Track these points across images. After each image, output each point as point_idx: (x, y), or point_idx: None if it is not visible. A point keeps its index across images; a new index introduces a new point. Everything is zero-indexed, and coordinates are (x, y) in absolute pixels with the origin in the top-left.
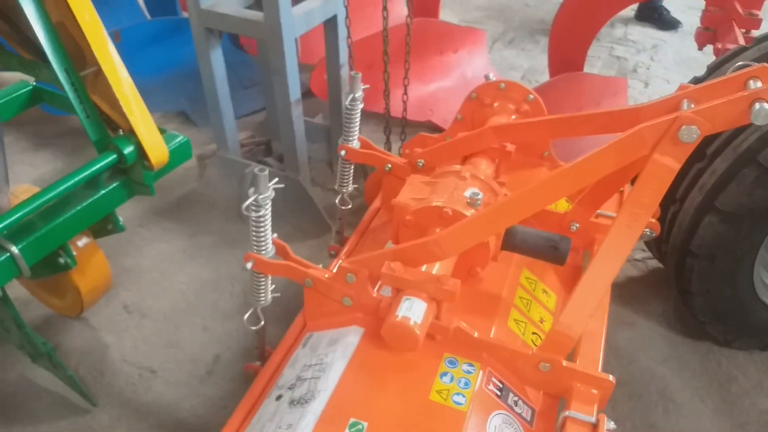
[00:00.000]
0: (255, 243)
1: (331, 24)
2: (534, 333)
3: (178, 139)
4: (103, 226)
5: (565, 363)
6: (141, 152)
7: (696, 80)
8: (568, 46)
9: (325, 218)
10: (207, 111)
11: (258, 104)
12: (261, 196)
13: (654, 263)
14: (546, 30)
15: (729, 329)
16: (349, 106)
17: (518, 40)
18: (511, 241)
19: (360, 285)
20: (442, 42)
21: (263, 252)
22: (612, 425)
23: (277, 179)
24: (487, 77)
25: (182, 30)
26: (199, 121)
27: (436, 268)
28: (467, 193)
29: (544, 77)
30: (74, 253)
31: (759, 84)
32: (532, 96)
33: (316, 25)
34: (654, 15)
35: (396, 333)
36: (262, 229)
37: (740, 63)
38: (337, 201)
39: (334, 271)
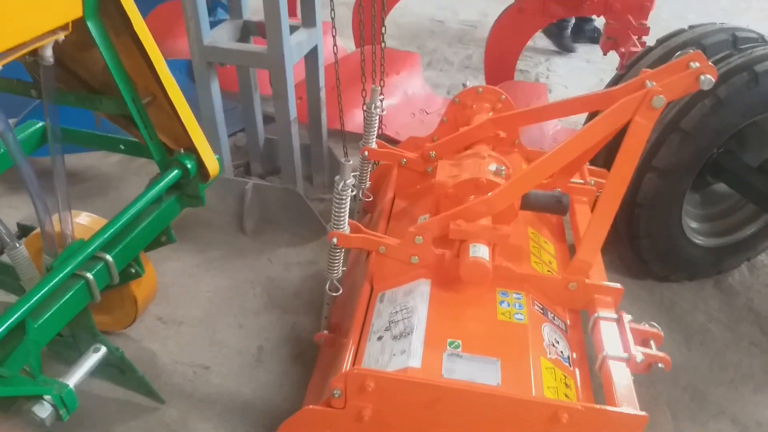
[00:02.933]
0: (336, 222)
1: (312, 53)
2: (548, 271)
3: (215, 155)
4: (158, 238)
5: (587, 281)
6: (199, 166)
7: (618, 77)
8: (500, 60)
9: (322, 223)
10: None
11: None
12: (347, 182)
13: None
14: (455, 52)
15: (667, 265)
16: (371, 112)
17: (435, 62)
18: (528, 201)
19: (426, 244)
20: (387, 66)
21: (342, 229)
22: (629, 317)
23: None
24: (464, 85)
25: None
26: None
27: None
28: (491, 167)
29: None
30: None
31: (697, 64)
32: (503, 96)
33: (304, 54)
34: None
35: (472, 269)
36: (343, 211)
37: (680, 52)
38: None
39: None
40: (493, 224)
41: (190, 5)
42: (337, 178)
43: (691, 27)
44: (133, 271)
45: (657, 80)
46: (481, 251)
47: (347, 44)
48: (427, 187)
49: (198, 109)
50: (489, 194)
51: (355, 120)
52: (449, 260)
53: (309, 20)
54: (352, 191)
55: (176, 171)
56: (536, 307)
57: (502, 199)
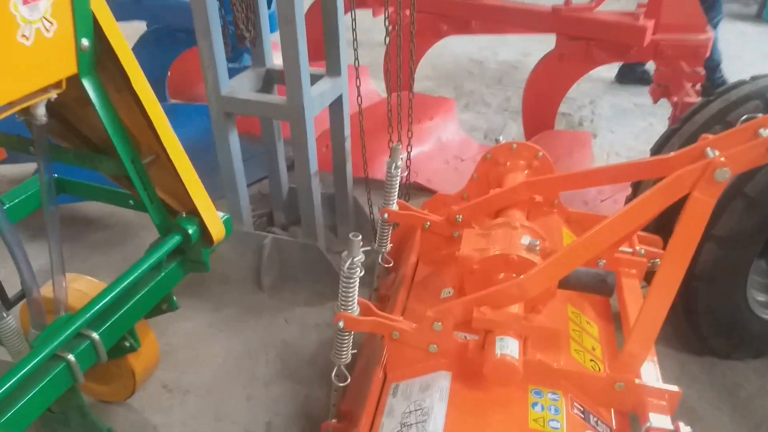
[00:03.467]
0: (343, 303)
1: (337, 103)
2: (591, 360)
3: (224, 215)
4: (158, 305)
5: (636, 381)
6: (202, 231)
7: (671, 131)
8: (539, 109)
9: None
10: (207, 187)
11: (248, 179)
12: (355, 259)
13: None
14: (493, 94)
15: (729, 342)
16: (392, 173)
17: (472, 104)
18: (566, 280)
19: (446, 332)
20: (419, 112)
21: (350, 310)
22: (688, 429)
23: (368, 247)
24: (497, 140)
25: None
26: None
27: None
28: (524, 241)
29: (504, 136)
30: None
31: None
32: (541, 153)
33: (327, 105)
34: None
35: (499, 370)
36: (351, 290)
37: (747, 116)
38: (379, 259)
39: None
40: (526, 308)
41: (207, 53)
42: (344, 254)
43: (753, 78)
44: (128, 344)
45: (720, 148)
46: (509, 347)
47: (381, 86)
48: (452, 254)
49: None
50: (521, 277)
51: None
52: (473, 350)
53: (334, 69)
54: (361, 271)
55: (177, 236)
56: (576, 410)
57: (537, 283)
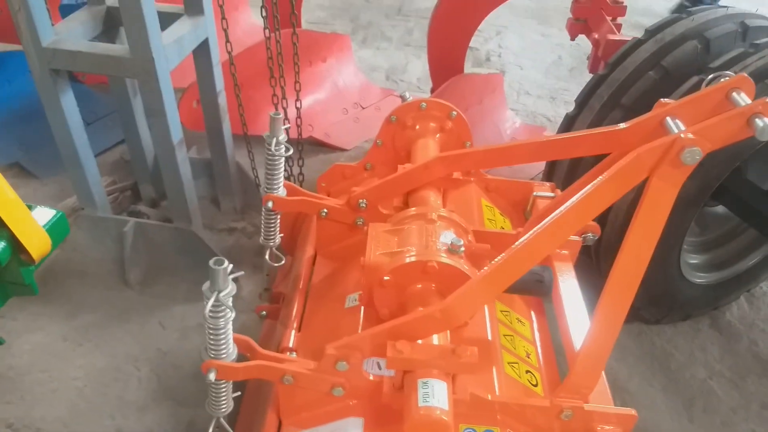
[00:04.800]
0: (213, 348)
1: (202, 49)
2: (528, 372)
3: (51, 215)
4: None
5: (585, 407)
6: (16, 247)
7: (599, 78)
8: (447, 51)
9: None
10: (47, 158)
11: (107, 142)
12: (222, 294)
13: None
14: (394, 26)
15: (660, 309)
16: (273, 151)
17: (370, 38)
18: None
19: (354, 371)
20: (311, 52)
21: (224, 356)
22: None
23: (241, 272)
24: (403, 97)
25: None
26: (40, 172)
27: None
28: (446, 240)
29: (407, 75)
30: None
31: (743, 95)
32: (455, 113)
33: (188, 54)
34: None
35: (424, 426)
36: (222, 332)
37: (715, 74)
38: (266, 257)
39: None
40: (454, 334)
41: None
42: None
43: (688, 12)
44: None
45: (683, 119)
46: (435, 395)
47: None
48: (356, 244)
49: (89, 115)
50: (448, 300)
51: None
52: (389, 393)
53: (194, 4)
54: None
55: None
56: None
57: (467, 306)
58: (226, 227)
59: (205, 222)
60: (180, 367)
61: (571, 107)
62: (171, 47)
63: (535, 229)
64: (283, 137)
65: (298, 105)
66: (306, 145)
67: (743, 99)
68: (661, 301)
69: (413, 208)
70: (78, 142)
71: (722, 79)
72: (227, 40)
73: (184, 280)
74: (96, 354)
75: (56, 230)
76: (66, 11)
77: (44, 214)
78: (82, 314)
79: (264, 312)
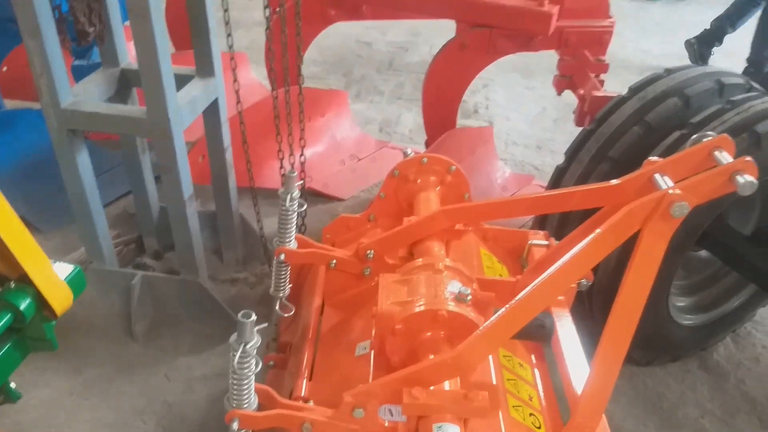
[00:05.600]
0: (237, 398)
1: (212, 108)
2: (531, 414)
3: (70, 270)
4: None
5: None
6: (40, 302)
7: (586, 133)
8: (441, 106)
9: (233, 316)
10: (51, 212)
11: (110, 195)
12: (249, 345)
13: None
14: (385, 80)
15: (650, 351)
16: (288, 207)
17: (364, 92)
18: None
19: (370, 418)
20: (310, 108)
21: (246, 405)
22: None
23: (265, 323)
24: (405, 153)
25: (7, 123)
26: (44, 225)
27: None
28: (453, 289)
29: (400, 127)
30: None
31: (725, 154)
32: (454, 167)
33: (199, 114)
34: None
35: None
36: (245, 382)
37: (698, 135)
38: (276, 307)
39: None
40: (462, 379)
41: (38, 57)
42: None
43: (668, 71)
44: None
45: (671, 175)
46: None
47: (263, 72)
48: (364, 293)
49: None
50: (459, 348)
51: (274, 175)
52: None
53: (206, 67)
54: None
55: (6, 314)
56: None
57: (477, 353)
58: (229, 278)
59: (208, 273)
60: (186, 419)
61: (556, 156)
62: (185, 108)
63: (538, 279)
64: (296, 193)
65: (302, 159)
66: (306, 196)
67: (725, 157)
68: (651, 343)
69: (420, 259)
70: (90, 198)
71: (705, 139)
72: (238, 101)
73: (188, 331)
74: (103, 408)
75: (75, 284)
76: (77, 72)
77: (63, 269)
78: (87, 368)
79: (272, 362)
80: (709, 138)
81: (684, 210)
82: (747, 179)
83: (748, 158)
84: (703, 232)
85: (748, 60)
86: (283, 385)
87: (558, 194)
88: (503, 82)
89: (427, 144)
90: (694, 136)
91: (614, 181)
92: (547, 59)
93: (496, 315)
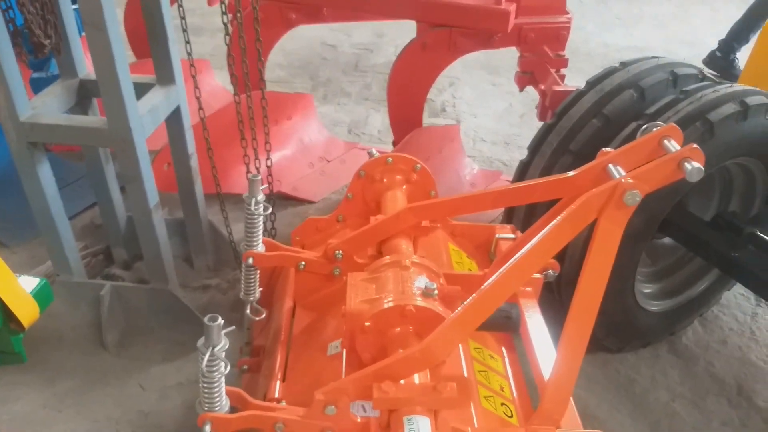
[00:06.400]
0: (208, 401)
1: (174, 116)
2: (503, 404)
3: (36, 283)
4: None
5: None
6: (6, 316)
7: (547, 128)
8: (406, 105)
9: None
10: (15, 226)
11: (76, 207)
12: (216, 349)
13: None
14: (352, 81)
15: (620, 338)
16: (253, 211)
17: (331, 95)
18: None
19: (342, 414)
20: (276, 112)
21: (218, 408)
22: None
23: (232, 326)
24: (371, 153)
25: None
26: (8, 239)
27: None
28: (420, 284)
29: (368, 128)
30: None
31: (673, 142)
32: (419, 165)
33: (162, 121)
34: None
35: None
36: (215, 385)
37: (648, 125)
38: (247, 311)
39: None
40: (432, 373)
41: None
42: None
43: (623, 64)
44: None
45: (623, 165)
46: (420, 429)
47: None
48: (334, 293)
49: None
50: (426, 340)
51: (242, 180)
52: None
53: (166, 75)
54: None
55: None
56: None
57: (445, 344)
58: (200, 285)
59: (179, 281)
60: (162, 427)
61: (523, 151)
62: (146, 117)
63: (500, 270)
64: (261, 197)
65: (269, 163)
66: (275, 200)
67: (673, 145)
68: (621, 331)
69: (387, 257)
70: (54, 210)
71: (654, 129)
72: (200, 107)
73: (160, 340)
74: (77, 420)
75: (41, 297)
76: (36, 84)
77: (29, 283)
78: (60, 380)
79: (246, 366)
80: (658, 128)
81: (636, 198)
82: (694, 166)
83: (695, 146)
84: (665, 220)
85: (720, 42)
86: (258, 388)
87: (520, 187)
88: (469, 80)
89: (395, 144)
90: (644, 127)
91: (571, 173)
92: (512, 56)
93: (462, 306)
